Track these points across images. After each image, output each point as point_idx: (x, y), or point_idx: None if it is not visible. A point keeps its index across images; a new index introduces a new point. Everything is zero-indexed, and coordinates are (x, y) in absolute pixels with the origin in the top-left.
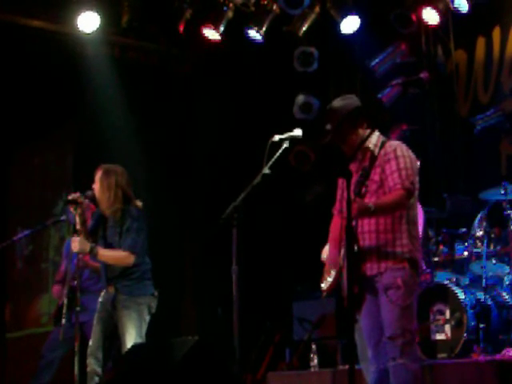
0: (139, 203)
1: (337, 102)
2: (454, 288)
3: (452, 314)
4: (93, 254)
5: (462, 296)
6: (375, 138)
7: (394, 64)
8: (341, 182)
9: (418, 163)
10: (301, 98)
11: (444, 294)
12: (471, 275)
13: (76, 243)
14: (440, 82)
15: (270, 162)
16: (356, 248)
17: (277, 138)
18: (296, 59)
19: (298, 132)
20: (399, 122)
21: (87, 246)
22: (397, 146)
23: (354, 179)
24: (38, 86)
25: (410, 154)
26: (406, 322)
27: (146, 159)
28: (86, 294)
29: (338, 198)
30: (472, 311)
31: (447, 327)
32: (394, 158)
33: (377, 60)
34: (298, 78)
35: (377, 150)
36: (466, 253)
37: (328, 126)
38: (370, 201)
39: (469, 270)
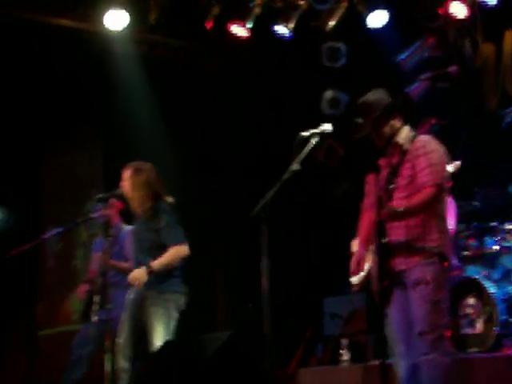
0: (171, 199)
1: (370, 96)
2: (485, 282)
3: (483, 308)
4: (152, 271)
5: (492, 290)
6: (405, 133)
7: (422, 58)
8: (370, 178)
9: (456, 164)
10: (329, 94)
11: (475, 289)
12: (502, 269)
13: (136, 275)
14: (468, 76)
15: (299, 158)
16: (385, 243)
17: (305, 133)
18: (324, 54)
19: (326, 127)
20: (428, 116)
21: (144, 273)
22: (427, 140)
23: (383, 174)
24: (66, 84)
25: (439, 148)
26: (437, 318)
27: (174, 156)
28: (113, 289)
29: (367, 193)
30: (503, 305)
31: (478, 321)
32: (425, 153)
33: (405, 54)
34: (326, 74)
35: (407, 145)
36: (496, 247)
37: (360, 120)
38: (400, 195)
39: (500, 264)
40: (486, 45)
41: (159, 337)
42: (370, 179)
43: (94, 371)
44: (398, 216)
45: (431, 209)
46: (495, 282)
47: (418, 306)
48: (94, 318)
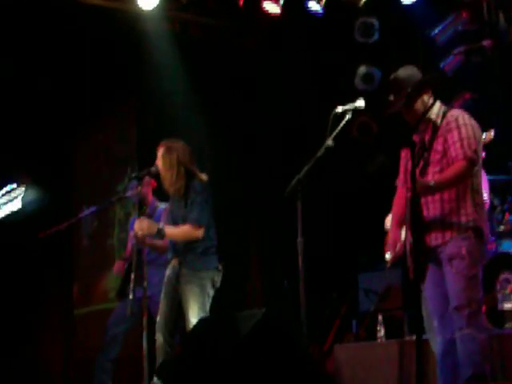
0: (204, 177)
1: (401, 72)
2: None
3: None
4: (161, 234)
5: None
6: (437, 108)
7: (455, 32)
8: (404, 154)
9: (489, 133)
10: (362, 69)
11: (510, 263)
12: None
13: (144, 225)
14: (502, 50)
15: (333, 134)
16: (420, 218)
17: (339, 109)
18: (357, 30)
19: (360, 103)
20: (462, 90)
21: (155, 228)
22: (459, 114)
23: (417, 150)
24: (100, 63)
25: (472, 122)
26: (472, 292)
27: (208, 134)
28: (149, 267)
29: (402, 169)
30: None
31: None
32: (456, 127)
33: (438, 29)
34: (359, 49)
35: (439, 120)
36: None
37: (391, 97)
38: (433, 170)
39: None
40: None
41: (194, 314)
42: (404, 155)
43: (132, 349)
44: (429, 190)
45: (466, 182)
46: None
47: (453, 281)
48: (130, 296)
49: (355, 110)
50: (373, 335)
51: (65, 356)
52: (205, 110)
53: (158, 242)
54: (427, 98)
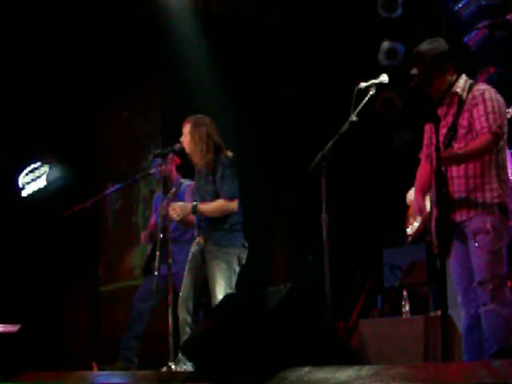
0: (230, 153)
1: (424, 46)
2: None
3: None
4: (196, 212)
5: None
6: (462, 82)
7: (479, 6)
8: (428, 128)
9: (509, 111)
10: (386, 45)
11: None
12: None
13: (177, 209)
14: None
15: (357, 110)
16: (445, 193)
17: (363, 85)
18: (380, 5)
19: (384, 78)
20: (486, 64)
21: (188, 208)
22: (485, 89)
23: (442, 124)
24: (123, 40)
25: (498, 97)
26: (496, 267)
27: (232, 110)
28: (174, 244)
29: (426, 143)
30: None
31: None
32: (482, 101)
33: (462, 3)
34: (383, 24)
35: (464, 94)
36: None
37: (414, 71)
38: (458, 146)
39: None
40: None
41: (221, 290)
42: (428, 129)
43: (157, 326)
44: (453, 161)
45: (491, 158)
46: None
47: (477, 256)
48: (155, 273)
49: (379, 86)
50: (398, 311)
51: (91, 333)
52: (228, 86)
53: (190, 217)
54: (449, 76)
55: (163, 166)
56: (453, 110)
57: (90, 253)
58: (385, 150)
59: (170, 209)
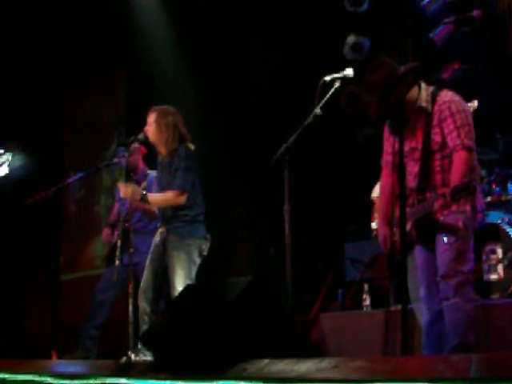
0: (192, 146)
1: (374, 74)
2: (507, 227)
3: (505, 253)
4: (144, 200)
5: None
6: (425, 94)
7: (445, 2)
8: (388, 135)
9: (472, 104)
10: (351, 38)
11: (496, 234)
12: None
13: (128, 190)
14: (492, 20)
15: (321, 103)
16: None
17: (328, 78)
18: None
19: (349, 72)
20: (451, 60)
21: (138, 194)
22: (450, 100)
23: (410, 139)
24: (89, 28)
25: (463, 105)
26: (461, 264)
27: (196, 101)
28: (137, 235)
29: (387, 150)
30: None
31: (500, 267)
32: (450, 115)
33: None
34: (349, 18)
35: (430, 107)
36: None
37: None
38: (437, 157)
39: None
40: None
41: (180, 281)
42: (388, 136)
43: (117, 315)
44: (457, 193)
45: None
46: None
47: (443, 251)
48: (116, 263)
49: (344, 79)
50: (358, 304)
51: (51, 322)
52: (192, 77)
53: (152, 208)
54: (412, 88)
55: (127, 155)
56: (420, 126)
57: (52, 241)
58: (348, 144)
59: (123, 186)
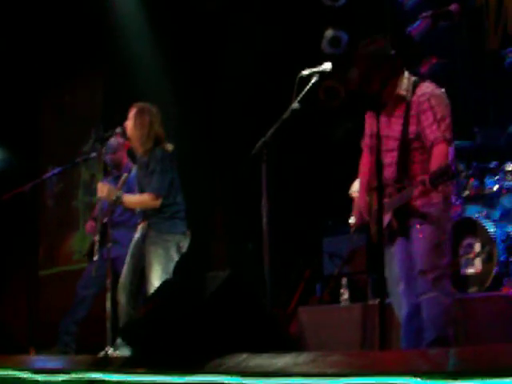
0: (170, 147)
1: (367, 47)
2: (484, 222)
3: (482, 247)
4: (118, 202)
5: (492, 229)
6: (406, 82)
7: None
8: (369, 117)
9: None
10: (329, 33)
11: (474, 228)
12: (502, 209)
13: (104, 189)
14: (470, 15)
15: (299, 97)
16: (387, 183)
17: (306, 72)
18: None
19: (327, 66)
20: (429, 55)
21: (113, 195)
22: (431, 93)
23: (385, 122)
24: (67, 23)
25: (443, 97)
26: (438, 258)
27: (173, 97)
28: (119, 228)
29: (367, 132)
30: (502, 245)
31: (477, 261)
32: (430, 108)
33: None
34: (327, 12)
35: (409, 96)
36: (496, 186)
37: (354, 72)
38: (414, 147)
39: (499, 204)
40: None
41: (156, 276)
42: (369, 118)
43: (96, 310)
44: (435, 181)
45: None
46: (495, 221)
47: (419, 246)
48: (95, 258)
49: (322, 74)
50: (337, 299)
51: (29, 317)
52: (170, 72)
53: None
54: (393, 77)
55: (102, 150)
56: (398, 113)
57: (30, 237)
58: (327, 138)
59: (100, 185)
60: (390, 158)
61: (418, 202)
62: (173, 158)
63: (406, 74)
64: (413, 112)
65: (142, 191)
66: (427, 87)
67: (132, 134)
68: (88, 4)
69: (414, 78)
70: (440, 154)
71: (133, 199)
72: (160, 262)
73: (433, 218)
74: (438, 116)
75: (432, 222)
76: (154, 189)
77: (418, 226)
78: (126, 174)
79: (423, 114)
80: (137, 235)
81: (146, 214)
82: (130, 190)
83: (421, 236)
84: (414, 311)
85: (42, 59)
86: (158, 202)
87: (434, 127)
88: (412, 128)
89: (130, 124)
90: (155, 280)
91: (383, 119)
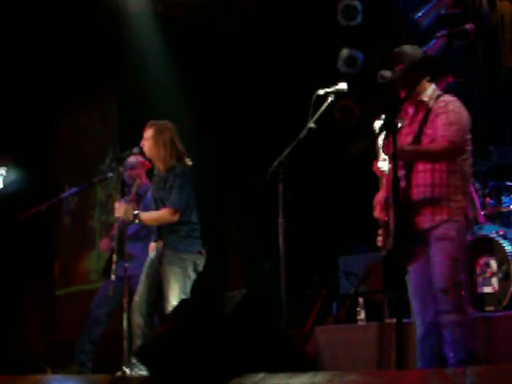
0: (189, 162)
1: (407, 48)
2: (501, 240)
3: (499, 266)
4: (137, 219)
5: (509, 248)
6: (431, 91)
7: (438, 16)
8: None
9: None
10: (345, 52)
11: (491, 247)
12: None
13: (121, 209)
14: (485, 34)
15: (315, 116)
16: (405, 200)
17: (322, 91)
18: (340, 13)
19: (342, 86)
20: (445, 74)
21: (130, 214)
22: (450, 101)
23: (404, 131)
24: (82, 43)
25: (461, 109)
26: (458, 275)
27: (190, 116)
28: (135, 243)
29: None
30: None
31: (494, 280)
32: (445, 112)
33: (421, 12)
34: (343, 32)
35: (431, 103)
36: None
37: (386, 73)
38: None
39: None
40: (503, 2)
41: (174, 295)
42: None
43: (112, 329)
44: (413, 155)
45: (455, 169)
46: (511, 240)
47: (439, 263)
48: (112, 278)
49: (337, 93)
50: (353, 318)
51: (45, 337)
52: (187, 91)
53: None
54: (424, 80)
55: (120, 170)
56: (419, 118)
57: (46, 256)
58: (343, 157)
59: (116, 205)
60: (422, 180)
61: (436, 221)
62: (191, 174)
63: (433, 85)
64: (431, 117)
65: (157, 207)
66: (448, 97)
67: (154, 152)
68: (102, 24)
69: (439, 92)
70: (434, 145)
71: (151, 216)
72: (178, 280)
73: (452, 234)
74: (451, 119)
75: (452, 238)
76: (172, 203)
77: (438, 243)
78: (137, 181)
79: (438, 117)
80: (151, 254)
81: (162, 232)
82: (146, 209)
83: (441, 253)
84: (429, 330)
85: (57, 79)
86: (177, 217)
87: (444, 128)
88: (428, 131)
89: (148, 144)
90: (173, 299)
91: (404, 131)
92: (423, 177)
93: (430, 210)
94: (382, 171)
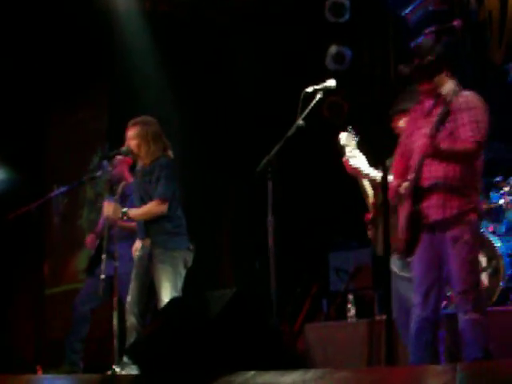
0: (170, 153)
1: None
2: (490, 236)
3: (488, 262)
4: (126, 217)
5: (498, 244)
6: (450, 86)
7: (426, 12)
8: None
9: None
10: (333, 49)
11: (480, 243)
12: (507, 223)
13: (110, 208)
14: (473, 30)
15: (304, 114)
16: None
17: (310, 89)
18: (328, 10)
19: (331, 83)
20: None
21: (119, 212)
22: (470, 95)
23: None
24: (70, 42)
25: (482, 105)
26: (476, 276)
27: (179, 113)
28: (118, 240)
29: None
30: (509, 259)
31: (484, 276)
32: (467, 109)
33: (409, 8)
34: (331, 29)
35: (450, 97)
36: (501, 201)
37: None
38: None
39: (505, 219)
40: None
41: (167, 293)
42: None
43: (102, 328)
44: (438, 153)
45: (471, 165)
46: (501, 236)
47: (457, 264)
48: (102, 276)
49: (326, 90)
50: (343, 315)
51: (36, 336)
52: (176, 89)
53: (131, 224)
54: (446, 74)
55: (110, 168)
56: (437, 111)
57: (36, 256)
58: (332, 155)
59: (105, 204)
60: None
61: (447, 213)
62: (175, 166)
63: (453, 81)
64: (453, 112)
65: (143, 201)
66: (468, 92)
67: (142, 148)
68: (91, 23)
69: (458, 87)
70: (461, 146)
71: (139, 211)
72: (169, 279)
73: (467, 237)
74: (473, 118)
75: (466, 240)
76: (160, 193)
77: (453, 244)
78: (123, 183)
79: (460, 114)
80: (138, 253)
81: (149, 231)
82: (133, 206)
83: (457, 255)
84: (424, 325)
85: (47, 79)
86: (165, 207)
87: (468, 127)
88: (448, 125)
89: (136, 141)
90: (166, 297)
91: (420, 123)
92: (435, 169)
93: (441, 201)
94: (355, 168)
